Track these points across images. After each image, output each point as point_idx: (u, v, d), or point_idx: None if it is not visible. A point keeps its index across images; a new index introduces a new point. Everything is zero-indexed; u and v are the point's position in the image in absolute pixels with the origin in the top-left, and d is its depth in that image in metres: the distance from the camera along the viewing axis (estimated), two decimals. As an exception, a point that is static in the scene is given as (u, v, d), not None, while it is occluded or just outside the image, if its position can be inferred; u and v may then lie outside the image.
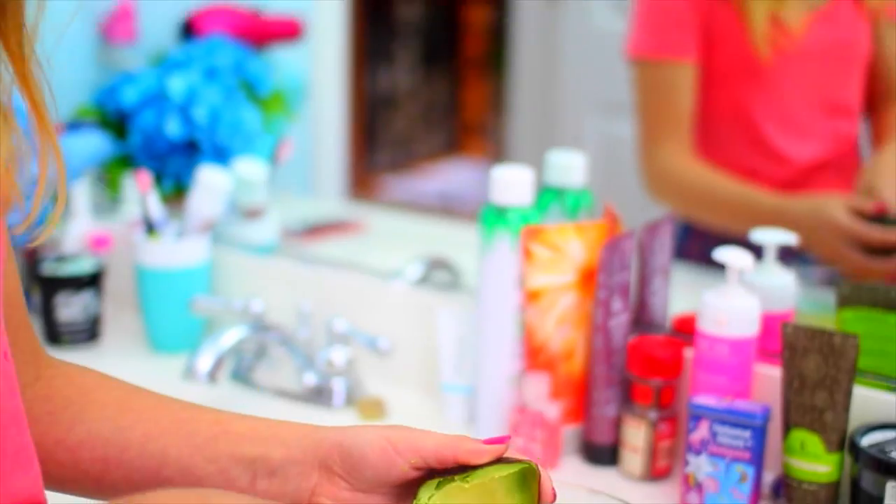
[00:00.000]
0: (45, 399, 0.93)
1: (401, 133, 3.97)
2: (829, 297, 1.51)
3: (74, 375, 0.97)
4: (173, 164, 1.86)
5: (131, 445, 0.93)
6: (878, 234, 1.55)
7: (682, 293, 1.56)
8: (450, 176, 3.87)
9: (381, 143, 3.85)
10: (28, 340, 0.93)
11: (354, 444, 0.90)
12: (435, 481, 0.92)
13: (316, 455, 0.91)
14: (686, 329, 1.44)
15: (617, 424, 1.44)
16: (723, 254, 1.35)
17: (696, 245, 1.76)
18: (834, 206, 1.58)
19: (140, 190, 1.68)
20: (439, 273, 1.79)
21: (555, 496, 0.92)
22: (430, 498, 0.92)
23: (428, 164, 3.92)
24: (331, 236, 2.06)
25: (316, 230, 2.07)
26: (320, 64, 2.43)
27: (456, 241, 1.85)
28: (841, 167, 1.78)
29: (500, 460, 0.93)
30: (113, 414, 0.94)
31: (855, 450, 1.25)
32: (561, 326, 1.44)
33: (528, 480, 0.93)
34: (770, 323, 1.37)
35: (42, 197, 0.81)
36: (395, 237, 2.04)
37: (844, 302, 1.44)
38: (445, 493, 0.92)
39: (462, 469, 0.93)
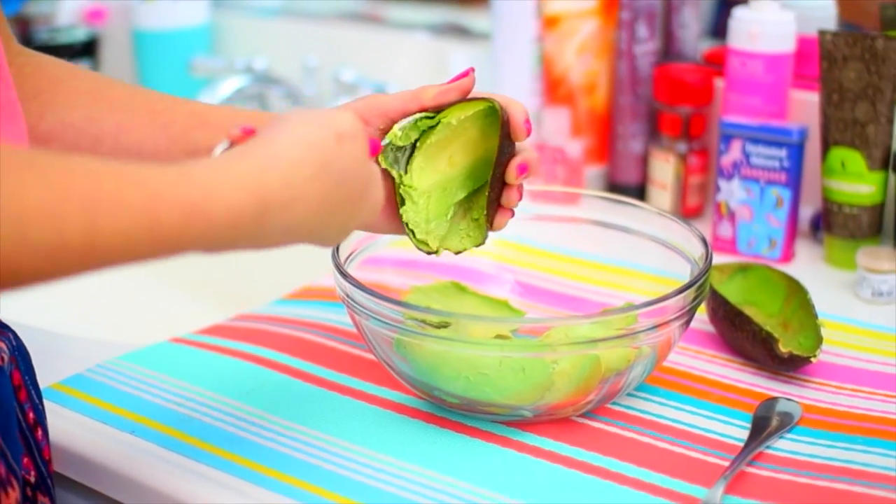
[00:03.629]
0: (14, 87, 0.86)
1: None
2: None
3: (46, 65, 0.91)
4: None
5: (104, 137, 0.88)
6: None
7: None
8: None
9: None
10: None
11: None
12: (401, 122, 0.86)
13: None
14: (718, 60, 1.34)
15: (644, 161, 1.34)
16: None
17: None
18: None
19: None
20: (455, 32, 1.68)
21: (529, 132, 0.88)
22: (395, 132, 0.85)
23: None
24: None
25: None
26: None
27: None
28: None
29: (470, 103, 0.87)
30: (85, 103, 0.89)
31: (901, 162, 1.16)
32: (582, 56, 1.35)
33: (495, 119, 0.86)
34: (807, 46, 1.26)
35: None
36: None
37: (890, 24, 1.33)
38: (409, 129, 0.86)
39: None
